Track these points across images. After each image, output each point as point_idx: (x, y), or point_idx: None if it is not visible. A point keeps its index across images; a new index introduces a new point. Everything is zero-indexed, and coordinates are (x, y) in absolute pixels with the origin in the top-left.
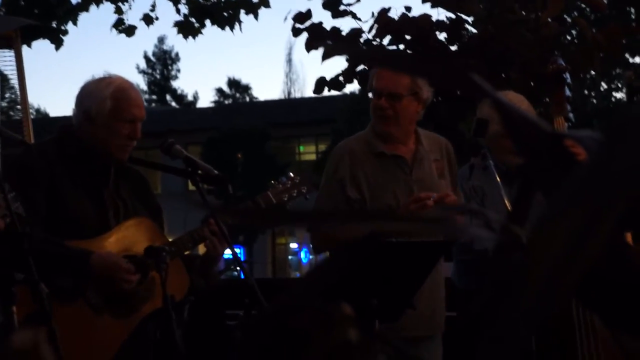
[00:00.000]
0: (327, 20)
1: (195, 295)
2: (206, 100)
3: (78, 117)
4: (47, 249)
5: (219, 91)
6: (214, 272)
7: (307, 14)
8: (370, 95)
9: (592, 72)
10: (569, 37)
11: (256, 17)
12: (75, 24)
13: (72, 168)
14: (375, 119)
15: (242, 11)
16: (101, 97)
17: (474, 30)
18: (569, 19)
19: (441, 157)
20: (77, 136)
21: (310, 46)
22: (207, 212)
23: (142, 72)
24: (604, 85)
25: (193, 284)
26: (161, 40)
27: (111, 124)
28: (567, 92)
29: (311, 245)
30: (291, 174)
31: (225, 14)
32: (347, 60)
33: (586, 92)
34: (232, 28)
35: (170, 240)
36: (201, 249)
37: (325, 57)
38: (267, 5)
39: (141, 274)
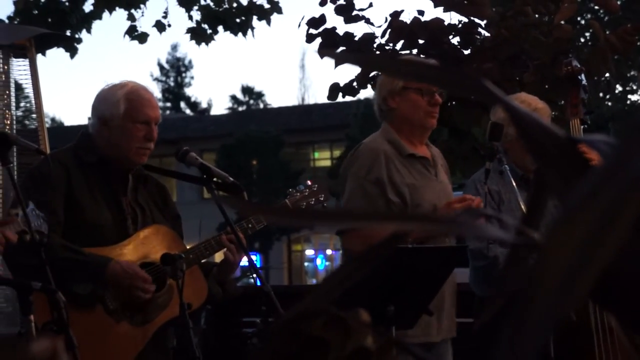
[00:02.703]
0: (340, 26)
1: (212, 303)
2: (220, 107)
3: (94, 125)
4: (65, 256)
5: (233, 98)
6: (231, 280)
7: (321, 20)
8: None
9: (607, 75)
10: (582, 40)
11: (268, 23)
12: (89, 32)
13: (90, 176)
14: (425, 116)
15: (255, 17)
16: (114, 100)
17: (487, 34)
18: (582, 21)
19: (442, 164)
20: (94, 144)
21: (322, 53)
22: (241, 213)
23: (156, 79)
24: (618, 88)
25: (210, 291)
26: (174, 47)
27: (126, 126)
28: (583, 94)
29: (344, 250)
30: (309, 182)
31: (237, 20)
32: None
33: (601, 94)
34: (244, 34)
35: (187, 248)
36: (218, 257)
37: (337, 64)
38: (280, 12)
39: (158, 283)
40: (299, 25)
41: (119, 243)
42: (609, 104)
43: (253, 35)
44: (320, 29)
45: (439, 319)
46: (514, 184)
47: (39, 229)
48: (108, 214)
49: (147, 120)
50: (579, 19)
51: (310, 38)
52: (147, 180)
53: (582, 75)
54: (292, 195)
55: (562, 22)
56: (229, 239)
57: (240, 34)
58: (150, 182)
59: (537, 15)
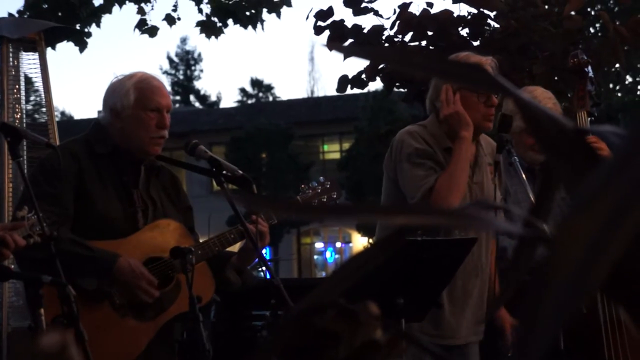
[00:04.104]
0: (349, 18)
1: (221, 295)
2: (229, 100)
3: (106, 117)
4: (73, 250)
5: (242, 91)
6: (249, 270)
7: (329, 12)
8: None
9: (617, 66)
10: (592, 30)
11: (278, 15)
12: (98, 25)
13: (101, 167)
14: (482, 119)
15: (264, 10)
16: (124, 90)
17: (497, 25)
18: (592, 12)
19: (492, 161)
20: (107, 135)
21: (331, 47)
22: (252, 209)
23: (165, 72)
24: (629, 79)
25: (228, 281)
26: (183, 40)
27: (137, 115)
28: (589, 87)
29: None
30: (322, 179)
31: (247, 13)
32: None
33: (611, 85)
34: (254, 27)
35: (197, 242)
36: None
37: (346, 56)
38: (289, 4)
39: (165, 278)
40: (307, 18)
41: (128, 236)
42: (619, 95)
43: (263, 29)
44: (329, 21)
45: (459, 320)
46: (523, 175)
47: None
48: (118, 206)
49: (158, 107)
50: (588, 9)
51: (318, 30)
52: (160, 171)
53: (589, 68)
54: (304, 192)
55: (572, 13)
56: (253, 228)
57: (250, 27)
58: (163, 172)
59: (546, 7)
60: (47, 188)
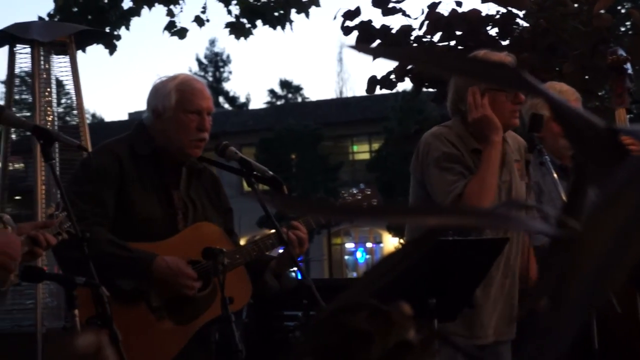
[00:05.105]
0: (377, 18)
1: (254, 296)
2: (259, 101)
3: (149, 118)
4: (111, 251)
5: (271, 92)
6: (288, 274)
7: (356, 12)
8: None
9: None
10: (622, 29)
11: (307, 15)
12: (127, 28)
13: (142, 168)
14: (510, 116)
15: (293, 10)
16: (166, 92)
17: (526, 24)
18: (622, 10)
19: (520, 158)
20: (149, 136)
21: (359, 48)
22: (283, 210)
23: (195, 75)
24: None
25: (266, 285)
26: (212, 42)
27: (178, 117)
28: (628, 83)
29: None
30: (362, 185)
31: (275, 13)
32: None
33: None
34: (283, 27)
35: (234, 247)
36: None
37: (375, 58)
38: (317, 4)
39: (204, 281)
40: (335, 17)
41: (167, 238)
42: None
43: (292, 29)
44: (357, 22)
45: (489, 319)
46: (555, 175)
47: (70, 230)
48: (158, 208)
49: (198, 110)
50: (618, 7)
51: (346, 31)
52: (202, 173)
53: (628, 64)
54: (344, 198)
55: (602, 11)
56: (295, 234)
57: (278, 28)
58: (205, 174)
59: (575, 5)
60: (88, 189)
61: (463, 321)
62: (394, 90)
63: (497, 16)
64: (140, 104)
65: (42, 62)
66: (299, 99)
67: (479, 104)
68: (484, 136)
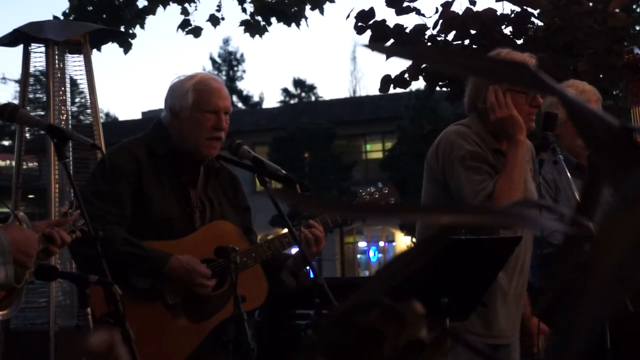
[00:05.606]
0: (391, 17)
1: (285, 294)
2: (272, 100)
3: (166, 117)
4: (126, 250)
5: (285, 91)
6: (305, 272)
7: (370, 12)
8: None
9: None
10: (637, 28)
11: (322, 12)
12: (142, 27)
13: (160, 167)
14: (526, 120)
15: (308, 7)
16: (183, 92)
17: (540, 23)
18: (637, 9)
19: (529, 159)
20: (167, 135)
21: (372, 47)
22: (296, 208)
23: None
24: None
25: (283, 283)
26: (226, 41)
27: (195, 117)
28: None
29: None
30: (380, 184)
31: (290, 10)
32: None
33: None
34: (297, 25)
35: (254, 243)
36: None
37: (388, 57)
38: (332, 0)
39: (219, 280)
40: (347, 17)
41: (183, 237)
42: None
43: (307, 25)
44: (370, 22)
45: (507, 319)
46: (568, 173)
47: (83, 227)
48: (176, 207)
49: (215, 109)
50: (633, 6)
51: (360, 30)
52: (220, 172)
53: None
54: (361, 197)
55: (617, 10)
56: (311, 232)
57: (293, 25)
58: (223, 173)
59: (590, 4)
60: (105, 188)
61: (483, 321)
62: (408, 90)
63: (512, 15)
64: (154, 103)
65: (56, 61)
66: (313, 98)
67: (502, 102)
68: (508, 135)
